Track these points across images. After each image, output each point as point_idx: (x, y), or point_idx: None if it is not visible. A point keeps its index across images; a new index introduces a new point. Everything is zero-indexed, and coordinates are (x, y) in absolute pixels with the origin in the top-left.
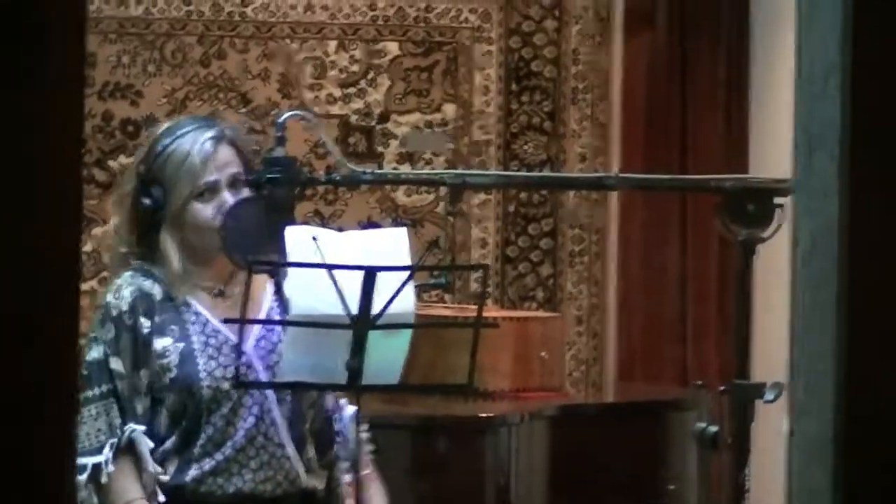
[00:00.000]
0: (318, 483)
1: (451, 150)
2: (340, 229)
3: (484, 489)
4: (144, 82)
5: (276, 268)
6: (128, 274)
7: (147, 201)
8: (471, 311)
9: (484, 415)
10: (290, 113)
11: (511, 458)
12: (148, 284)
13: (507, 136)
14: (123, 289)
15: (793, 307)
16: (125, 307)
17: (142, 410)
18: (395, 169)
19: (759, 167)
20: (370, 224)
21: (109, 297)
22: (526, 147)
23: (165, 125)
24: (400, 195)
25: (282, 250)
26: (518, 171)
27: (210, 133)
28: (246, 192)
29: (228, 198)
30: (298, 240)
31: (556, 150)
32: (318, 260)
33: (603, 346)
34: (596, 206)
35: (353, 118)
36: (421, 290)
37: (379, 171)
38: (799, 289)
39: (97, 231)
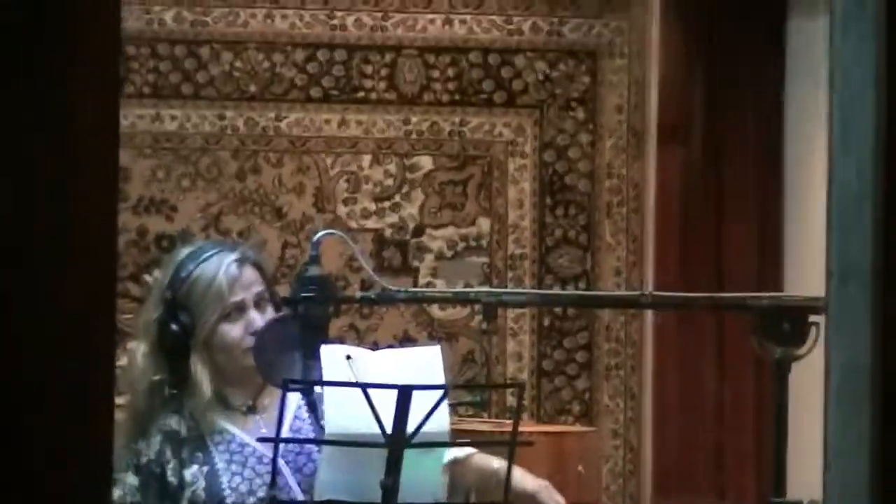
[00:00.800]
0: None
1: (486, 268)
2: (375, 346)
3: None
4: (179, 197)
5: (310, 387)
6: (160, 416)
7: (175, 327)
8: (507, 425)
9: None
10: (324, 232)
11: None
12: (174, 422)
13: (542, 249)
14: (153, 436)
15: (826, 435)
16: (153, 455)
17: None
18: (429, 283)
19: (794, 283)
20: (405, 339)
21: (141, 445)
22: (561, 261)
23: (187, 250)
24: (435, 309)
25: (317, 368)
26: (553, 285)
27: (233, 255)
28: (271, 312)
29: (255, 317)
30: (333, 358)
31: (592, 264)
32: (352, 379)
33: (639, 459)
34: (632, 320)
35: (388, 232)
36: (456, 407)
37: (413, 290)
38: (830, 420)
39: (132, 345)
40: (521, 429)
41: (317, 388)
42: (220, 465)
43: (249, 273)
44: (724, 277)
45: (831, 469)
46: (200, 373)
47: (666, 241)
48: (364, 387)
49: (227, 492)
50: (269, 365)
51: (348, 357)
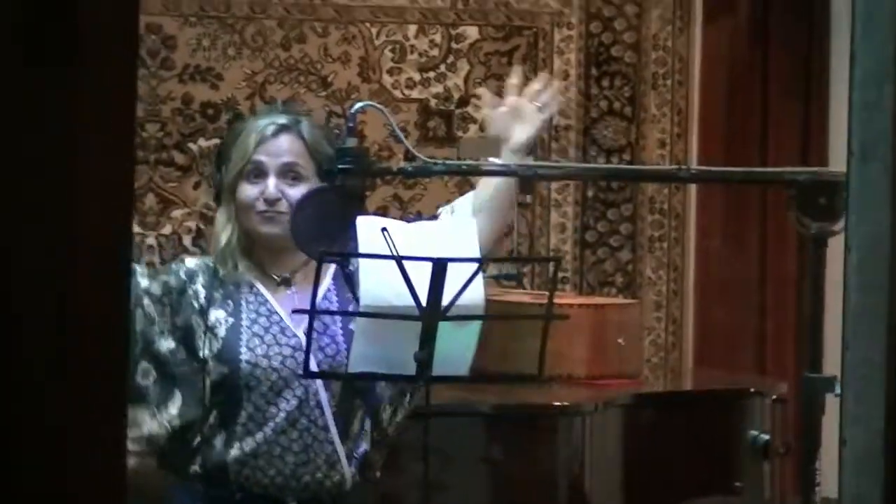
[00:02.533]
0: (354, 474)
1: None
2: (419, 216)
3: (557, 478)
4: (224, 65)
5: (346, 258)
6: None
7: (216, 177)
8: (543, 297)
9: (558, 403)
10: (360, 104)
11: (585, 447)
12: (209, 259)
13: (587, 121)
14: (189, 259)
15: (845, 314)
16: (182, 273)
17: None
18: None
19: (840, 158)
20: None
21: (175, 263)
22: (605, 132)
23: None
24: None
25: (353, 240)
26: (597, 156)
27: (278, 119)
28: (303, 187)
29: (272, 184)
30: (369, 230)
31: (636, 136)
32: (387, 251)
33: (682, 332)
34: (675, 192)
35: (433, 102)
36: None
37: (449, 162)
38: (850, 296)
39: (176, 213)
40: (562, 301)
41: (353, 261)
42: (245, 322)
43: (284, 141)
44: (769, 152)
45: (850, 348)
46: (223, 224)
47: (711, 114)
48: (399, 259)
49: (244, 350)
50: (306, 236)
51: (384, 229)
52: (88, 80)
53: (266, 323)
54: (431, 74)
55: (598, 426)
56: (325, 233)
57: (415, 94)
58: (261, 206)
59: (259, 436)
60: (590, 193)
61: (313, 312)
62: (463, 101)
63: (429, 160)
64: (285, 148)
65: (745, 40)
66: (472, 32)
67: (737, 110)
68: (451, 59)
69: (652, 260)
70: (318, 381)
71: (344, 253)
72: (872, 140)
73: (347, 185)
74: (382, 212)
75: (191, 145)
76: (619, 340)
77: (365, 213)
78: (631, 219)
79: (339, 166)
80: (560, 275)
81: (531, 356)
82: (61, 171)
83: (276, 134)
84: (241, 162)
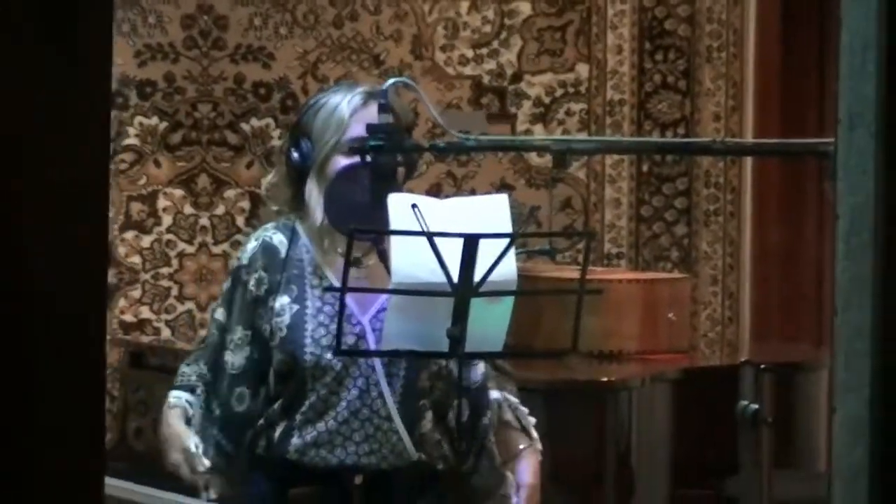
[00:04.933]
0: (436, 456)
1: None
2: (473, 193)
3: (605, 453)
4: (276, 45)
5: (378, 236)
6: (263, 228)
7: (296, 154)
8: (594, 272)
9: (604, 379)
10: (393, 80)
11: (632, 422)
12: (278, 239)
13: (641, 95)
14: (250, 243)
15: (835, 281)
16: (245, 261)
17: (236, 364)
18: (527, 130)
19: None
20: (503, 186)
21: (240, 250)
22: (660, 106)
23: (327, 89)
24: (533, 156)
25: (385, 218)
26: (652, 130)
27: (363, 89)
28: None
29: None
30: (401, 207)
31: (691, 109)
32: (419, 228)
33: (738, 306)
34: (731, 166)
35: (486, 79)
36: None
37: (484, 137)
38: (839, 264)
39: (230, 194)
40: (611, 276)
41: (385, 239)
42: (310, 310)
43: (375, 109)
44: (826, 123)
45: (839, 315)
46: (315, 200)
47: (766, 86)
48: (430, 235)
49: (308, 340)
50: (339, 213)
51: (414, 206)
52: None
53: (331, 311)
54: (484, 51)
55: (646, 401)
56: (357, 210)
57: (468, 70)
58: (325, 190)
59: (321, 426)
60: (644, 168)
61: (344, 290)
62: (516, 77)
63: (461, 135)
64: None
65: (800, 11)
66: (524, 8)
67: (792, 83)
68: (503, 35)
69: (707, 234)
70: (380, 369)
71: (374, 230)
72: (859, 107)
73: (380, 162)
74: (436, 190)
75: (243, 125)
76: (670, 315)
77: (398, 190)
78: (686, 193)
79: (371, 143)
80: (615, 250)
81: (568, 331)
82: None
83: (366, 103)
84: (336, 136)
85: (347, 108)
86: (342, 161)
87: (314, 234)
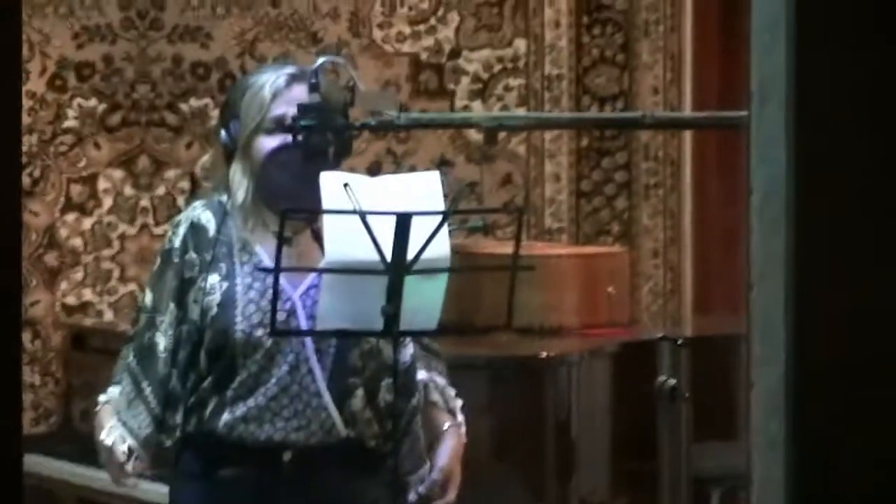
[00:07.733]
0: (367, 434)
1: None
2: (413, 169)
3: (545, 427)
4: (214, 24)
5: (309, 215)
6: (192, 206)
7: (224, 134)
8: (534, 247)
9: (544, 354)
10: (323, 59)
11: (571, 396)
12: (206, 217)
13: (580, 70)
14: (180, 225)
15: (748, 255)
16: (176, 244)
17: (167, 345)
18: (465, 107)
19: None
20: (442, 163)
21: (169, 231)
22: (598, 81)
23: (257, 69)
24: (472, 133)
25: (318, 197)
26: (590, 105)
27: (289, 70)
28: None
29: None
30: (333, 186)
31: (629, 83)
32: (351, 207)
33: (680, 279)
34: (671, 139)
35: (424, 55)
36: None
37: (414, 115)
38: (753, 237)
39: (169, 174)
40: (550, 251)
41: (319, 218)
42: (240, 287)
43: (301, 91)
44: None
45: (753, 289)
46: (238, 180)
47: (704, 59)
48: (363, 213)
49: (239, 318)
50: (272, 193)
51: (346, 185)
52: None
53: (261, 287)
54: (422, 28)
55: (585, 375)
56: (290, 190)
57: (405, 47)
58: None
59: (251, 401)
60: (584, 143)
61: (277, 270)
62: (454, 54)
63: (392, 114)
64: (302, 99)
65: None
66: None
67: (730, 55)
68: (441, 11)
69: (648, 207)
70: (310, 346)
71: (306, 209)
72: (769, 80)
73: (311, 142)
74: (376, 167)
75: (182, 106)
76: (609, 289)
77: (329, 169)
78: (626, 167)
79: (302, 123)
80: (556, 225)
81: (502, 307)
82: None
83: (289, 84)
84: (258, 116)
85: (270, 90)
86: (265, 141)
87: (239, 213)
